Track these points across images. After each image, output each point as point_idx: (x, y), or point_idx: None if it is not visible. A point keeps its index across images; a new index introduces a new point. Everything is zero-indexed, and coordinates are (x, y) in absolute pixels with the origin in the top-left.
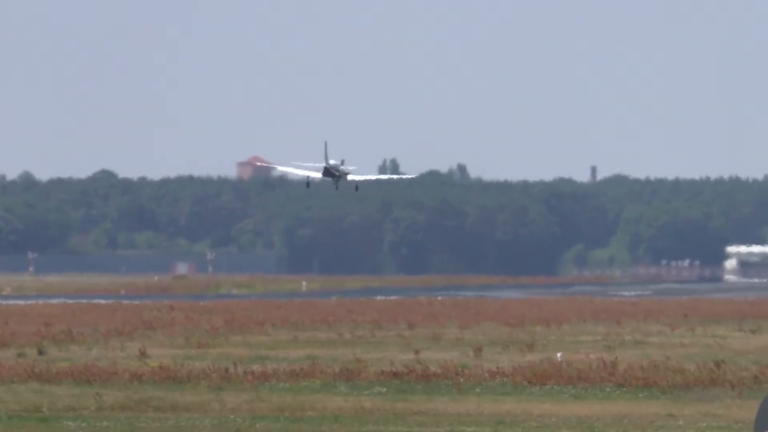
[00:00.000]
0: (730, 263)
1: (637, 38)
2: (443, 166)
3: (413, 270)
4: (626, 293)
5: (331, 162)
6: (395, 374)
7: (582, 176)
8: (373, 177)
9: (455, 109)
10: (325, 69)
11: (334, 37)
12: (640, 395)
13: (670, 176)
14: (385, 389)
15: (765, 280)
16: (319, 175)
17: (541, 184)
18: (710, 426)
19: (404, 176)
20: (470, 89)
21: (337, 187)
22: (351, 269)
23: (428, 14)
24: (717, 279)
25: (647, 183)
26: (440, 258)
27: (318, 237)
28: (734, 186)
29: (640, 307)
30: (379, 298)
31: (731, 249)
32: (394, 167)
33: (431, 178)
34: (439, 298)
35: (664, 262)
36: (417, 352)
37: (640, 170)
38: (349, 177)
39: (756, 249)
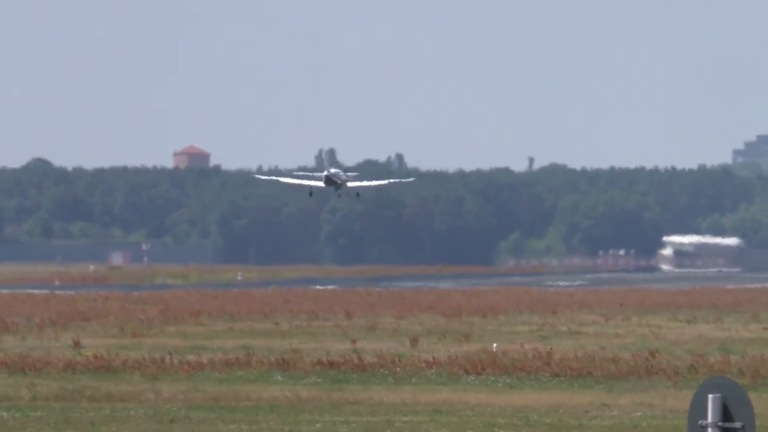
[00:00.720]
0: (666, 253)
1: (570, 25)
2: (381, 156)
3: (350, 260)
4: (562, 283)
5: (333, 170)
6: (331, 364)
7: (519, 166)
8: (374, 183)
9: (393, 99)
10: (260, 58)
11: (267, 25)
12: (575, 385)
13: (606, 166)
14: (321, 379)
15: (700, 270)
16: (321, 184)
17: (478, 174)
18: (645, 415)
19: (404, 180)
20: (407, 79)
21: (339, 195)
22: (288, 259)
23: (363, 1)
24: (653, 269)
25: (584, 173)
26: (377, 248)
27: (254, 227)
28: (670, 176)
29: (575, 297)
30: (316, 288)
31: (667, 239)
32: (331, 157)
33: (369, 167)
34: (376, 288)
35: (600, 251)
36: (353, 342)
37: (576, 160)
38: (350, 184)
39: (691, 239)
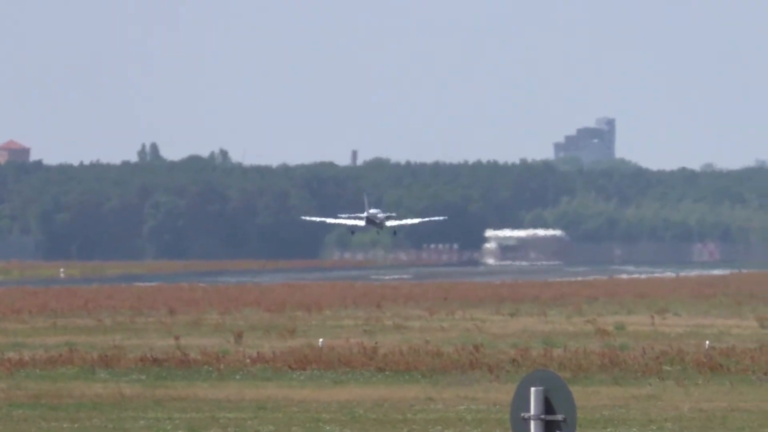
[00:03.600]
0: (490, 247)
1: (393, 18)
2: (205, 151)
3: (174, 255)
4: (387, 277)
5: (372, 211)
6: (155, 360)
7: (343, 160)
8: (409, 222)
9: (216, 94)
10: (79, 50)
11: (85, 18)
12: (400, 379)
13: (430, 160)
14: (144, 376)
15: (523, 264)
16: (363, 223)
17: (303, 168)
18: (468, 409)
19: (435, 218)
20: (230, 73)
21: (378, 233)
22: (110, 255)
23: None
24: (477, 262)
25: (408, 167)
26: (201, 243)
27: (76, 222)
28: (493, 170)
29: (400, 291)
30: (139, 284)
31: (490, 233)
32: (155, 152)
33: (193, 162)
34: (200, 283)
35: (424, 245)
36: (177, 338)
37: (400, 154)
38: (388, 223)
39: (514, 233)
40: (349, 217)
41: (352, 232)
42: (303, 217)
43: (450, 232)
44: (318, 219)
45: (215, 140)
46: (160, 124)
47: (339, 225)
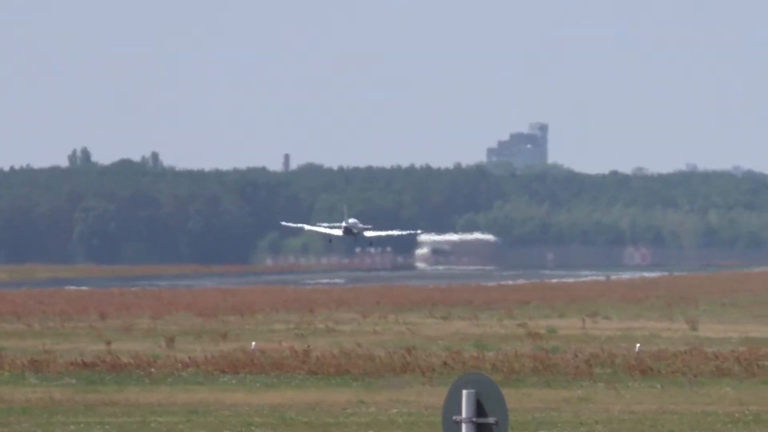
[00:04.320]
0: (422, 251)
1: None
2: (136, 155)
3: (105, 260)
4: (320, 281)
5: (350, 221)
6: (85, 365)
7: (275, 165)
8: (384, 233)
9: (148, 98)
10: (6, 56)
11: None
12: (333, 382)
13: (363, 165)
14: (75, 380)
15: (456, 268)
16: (340, 233)
17: (235, 173)
18: (401, 412)
19: (412, 232)
20: (162, 77)
21: (356, 243)
22: (40, 259)
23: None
24: (409, 267)
25: (340, 172)
26: (133, 248)
27: (5, 226)
28: (425, 175)
29: (332, 295)
30: (69, 288)
31: (423, 237)
32: (85, 156)
33: (124, 167)
34: (132, 288)
35: (357, 249)
36: (108, 342)
37: (333, 159)
38: (366, 233)
39: (447, 237)
40: (328, 227)
41: (330, 241)
42: (282, 222)
43: (383, 237)
44: (296, 225)
45: (146, 145)
46: (91, 129)
47: (273, 231)
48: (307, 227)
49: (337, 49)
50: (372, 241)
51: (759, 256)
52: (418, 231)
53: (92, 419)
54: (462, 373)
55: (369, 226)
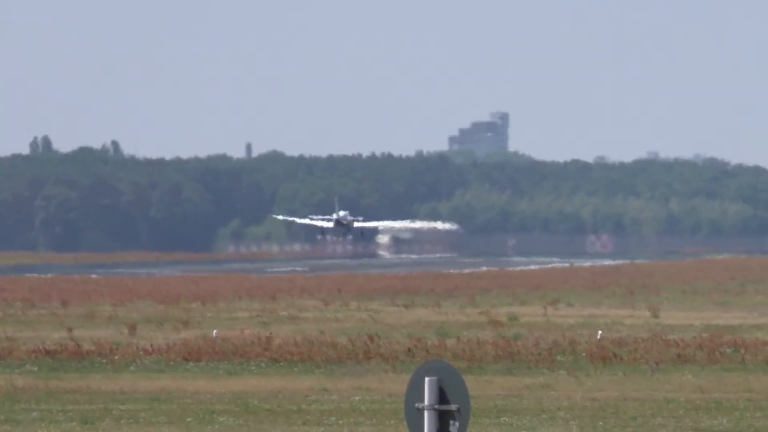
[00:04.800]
0: (383, 239)
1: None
2: (96, 143)
3: (67, 248)
4: (282, 269)
5: (341, 214)
6: (48, 352)
7: (237, 153)
8: (373, 224)
9: (109, 86)
10: None
11: None
12: (295, 370)
13: (325, 153)
14: (37, 368)
15: (418, 256)
16: (331, 225)
17: (196, 161)
18: (363, 399)
19: (406, 221)
20: (123, 64)
21: (346, 234)
22: (2, 247)
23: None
24: (371, 255)
25: (302, 160)
26: (94, 235)
27: None
28: (387, 163)
29: (295, 283)
30: (31, 275)
31: (385, 225)
32: (47, 144)
33: (84, 155)
34: (94, 275)
35: (319, 237)
36: (70, 330)
37: (295, 147)
38: (355, 224)
39: (408, 225)
40: (320, 219)
41: (322, 233)
42: (275, 216)
43: (371, 228)
44: (289, 218)
45: (107, 133)
46: (52, 117)
47: (235, 219)
48: (298, 220)
49: (298, 37)
50: (363, 232)
51: (720, 244)
52: (407, 220)
53: (54, 407)
54: (424, 360)
55: (360, 218)
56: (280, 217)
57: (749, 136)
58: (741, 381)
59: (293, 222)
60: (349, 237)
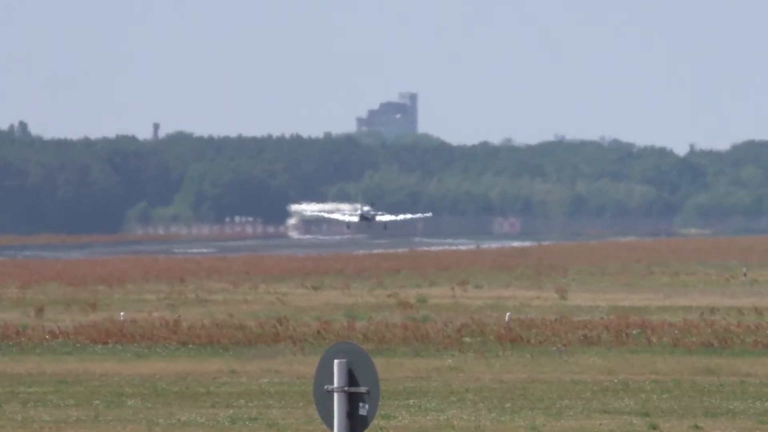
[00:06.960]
0: (293, 221)
1: None
2: (3, 124)
3: None
4: (190, 251)
5: (365, 208)
6: None
7: (145, 134)
8: (399, 217)
9: (15, 65)
10: None
11: None
12: (204, 352)
13: (234, 134)
14: None
15: (327, 237)
16: (356, 219)
17: (104, 142)
18: (272, 381)
19: (422, 215)
20: (29, 44)
21: (369, 227)
22: None
23: None
24: (281, 236)
25: (210, 141)
26: (0, 217)
27: None
28: (296, 144)
29: (203, 265)
30: None
31: (294, 207)
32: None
33: None
34: (0, 258)
35: (228, 219)
36: None
37: (203, 128)
38: (377, 218)
39: (318, 207)
40: (344, 213)
41: (348, 227)
42: (291, 207)
43: (253, 206)
44: (312, 212)
45: (14, 113)
46: None
47: (143, 200)
48: (326, 215)
49: (208, 17)
50: (386, 225)
51: (626, 225)
52: (429, 214)
53: None
54: (333, 342)
55: (382, 212)
56: (306, 212)
57: (654, 118)
58: (647, 362)
59: (299, 213)
60: (369, 227)
